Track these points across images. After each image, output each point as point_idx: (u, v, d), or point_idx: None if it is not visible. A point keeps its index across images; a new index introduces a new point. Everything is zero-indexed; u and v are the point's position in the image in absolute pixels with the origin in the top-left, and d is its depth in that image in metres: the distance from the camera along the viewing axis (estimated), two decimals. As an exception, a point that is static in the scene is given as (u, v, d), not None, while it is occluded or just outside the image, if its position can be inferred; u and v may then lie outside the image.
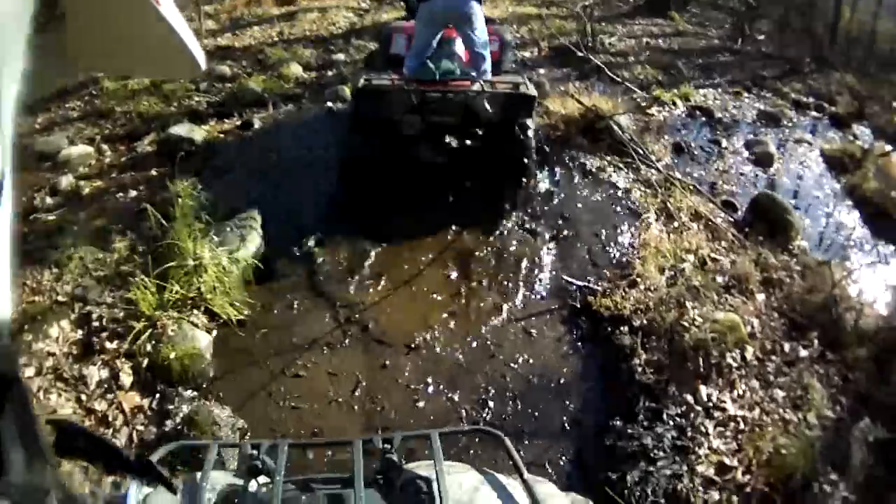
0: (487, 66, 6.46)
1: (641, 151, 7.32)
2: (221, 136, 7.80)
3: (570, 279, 5.55)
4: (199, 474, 1.37)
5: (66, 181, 6.63)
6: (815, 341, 4.98)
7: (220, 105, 8.59)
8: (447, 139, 6.40)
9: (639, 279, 5.46)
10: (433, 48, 6.40)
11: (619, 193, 6.84)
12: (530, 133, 6.34)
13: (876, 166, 8.39)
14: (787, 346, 4.94)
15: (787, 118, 10.47)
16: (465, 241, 6.04)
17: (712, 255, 5.91)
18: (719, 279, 5.56)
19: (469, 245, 5.99)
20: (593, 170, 7.23)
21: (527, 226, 6.28)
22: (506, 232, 6.19)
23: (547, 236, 6.17)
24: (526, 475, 1.34)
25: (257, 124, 8.12)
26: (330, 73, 9.98)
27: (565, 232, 6.22)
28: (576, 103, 7.92)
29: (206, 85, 9.12)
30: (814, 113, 11.20)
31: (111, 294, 4.86)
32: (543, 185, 6.92)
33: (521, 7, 14.47)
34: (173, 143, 7.25)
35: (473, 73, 6.24)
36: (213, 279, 4.94)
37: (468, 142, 6.36)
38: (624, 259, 5.86)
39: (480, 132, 6.24)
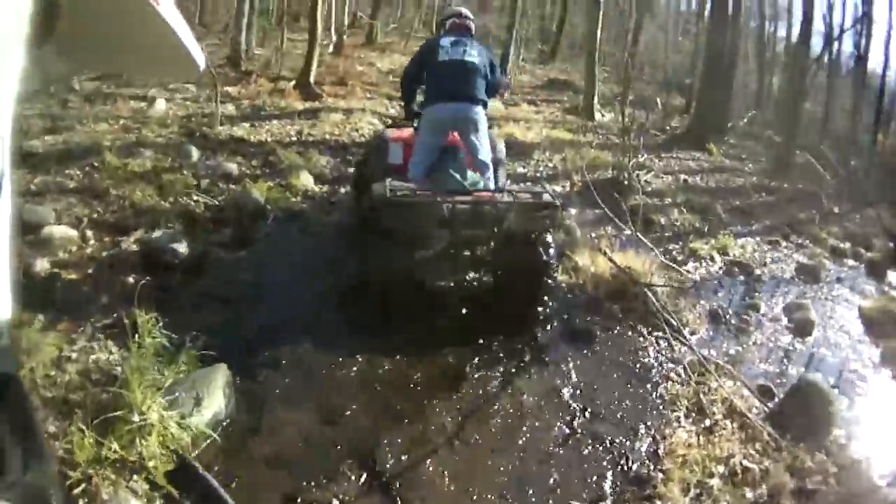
0: (492, 174, 6.43)
1: (675, 324, 6.64)
2: (212, 250, 7.00)
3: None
4: None
5: (40, 265, 5.92)
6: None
7: (219, 210, 7.90)
8: (472, 253, 6.03)
9: (659, 501, 4.74)
10: (436, 157, 6.26)
11: (647, 381, 6.00)
12: (552, 249, 5.96)
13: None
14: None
15: (825, 270, 10.00)
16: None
17: (745, 461, 5.22)
18: (749, 494, 4.83)
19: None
20: (620, 348, 6.40)
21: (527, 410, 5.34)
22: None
23: (557, 429, 5.24)
24: None
25: (253, 242, 7.42)
26: (343, 191, 9.22)
27: (578, 432, 5.23)
28: (607, 262, 7.28)
29: (207, 183, 8.52)
30: (851, 261, 10.95)
31: (55, 424, 4.14)
32: (559, 365, 5.99)
33: (556, 131, 14.08)
34: (155, 251, 6.45)
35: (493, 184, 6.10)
36: (157, 445, 4.09)
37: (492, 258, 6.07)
38: (643, 472, 4.97)
39: (508, 246, 5.84)
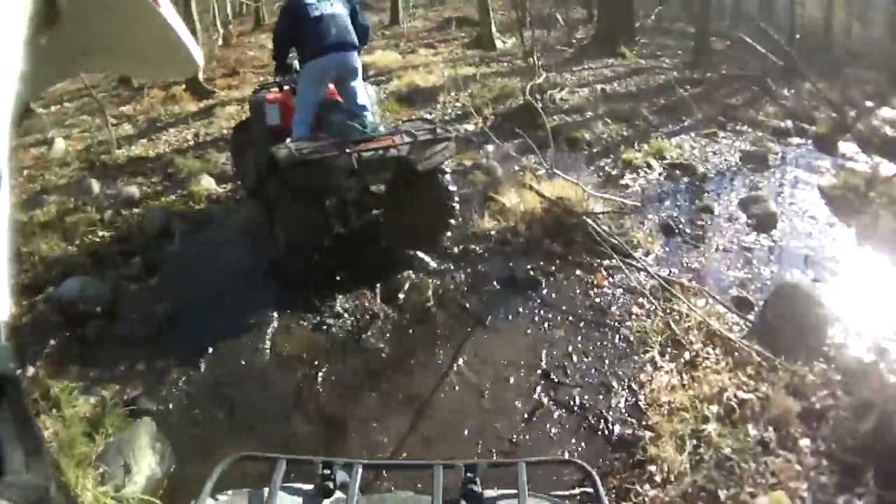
0: (372, 115, 6.48)
1: (624, 249, 5.78)
2: (122, 286, 6.13)
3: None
4: (266, 490, 1.34)
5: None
6: (871, 482, 3.66)
7: (124, 240, 7.07)
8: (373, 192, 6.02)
9: (652, 466, 3.86)
10: (315, 112, 6.34)
11: (608, 323, 5.14)
12: (450, 178, 6.16)
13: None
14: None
15: (771, 154, 9.40)
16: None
17: (738, 393, 4.36)
18: (753, 431, 4.00)
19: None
20: (570, 290, 5.55)
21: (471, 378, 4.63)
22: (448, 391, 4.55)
23: (518, 405, 4.39)
24: None
25: (162, 265, 6.52)
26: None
27: (543, 401, 4.40)
28: (537, 196, 6.37)
29: (110, 214, 7.63)
30: (797, 139, 10.31)
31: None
32: (508, 321, 5.23)
33: (458, 69, 12.99)
34: (68, 304, 5.63)
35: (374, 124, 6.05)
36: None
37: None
38: (627, 433, 4.11)
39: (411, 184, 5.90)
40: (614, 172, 8.08)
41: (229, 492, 1.40)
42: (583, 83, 12.45)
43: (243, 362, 4.94)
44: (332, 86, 6.48)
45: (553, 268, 5.75)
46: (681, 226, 6.80)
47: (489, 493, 1.36)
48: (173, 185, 8.38)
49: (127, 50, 1.23)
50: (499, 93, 11.06)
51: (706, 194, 7.83)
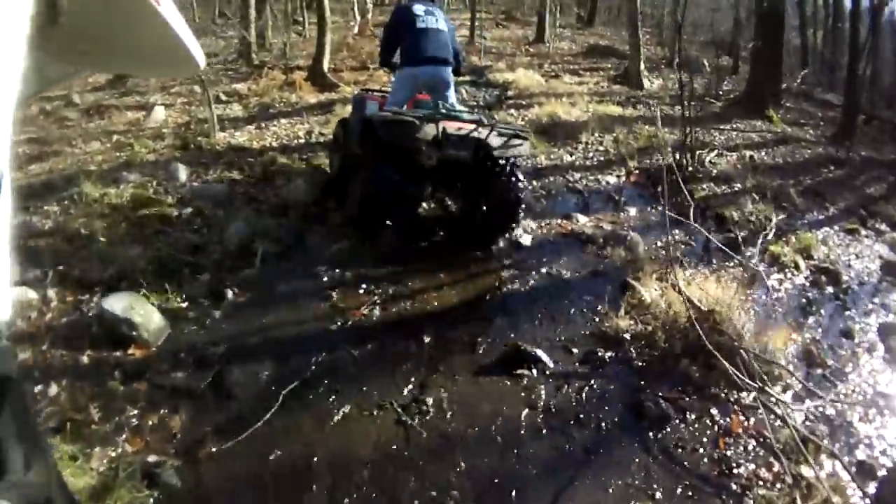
0: None
1: (765, 384, 5.02)
2: (180, 312, 5.14)
3: None
4: None
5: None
6: None
7: (197, 250, 6.06)
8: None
9: None
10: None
11: (734, 485, 4.02)
12: (522, 176, 6.56)
13: None
14: None
15: None
16: None
17: None
18: None
19: None
20: (700, 434, 4.50)
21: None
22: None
23: None
24: None
25: (231, 295, 5.41)
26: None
27: None
28: (679, 298, 5.54)
29: (190, 212, 6.78)
30: None
31: None
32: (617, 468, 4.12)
33: (603, 105, 12.06)
34: (110, 323, 4.65)
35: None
36: None
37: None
38: None
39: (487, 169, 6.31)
40: (761, 268, 7.32)
41: None
42: (731, 145, 11.39)
43: (303, 444, 3.85)
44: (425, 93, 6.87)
45: (687, 399, 4.77)
46: (822, 354, 5.95)
47: None
48: (270, 189, 7.60)
49: (127, 50, 1.21)
50: (646, 143, 10.13)
51: (848, 312, 6.83)
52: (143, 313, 4.74)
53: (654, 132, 10.53)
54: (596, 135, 10.32)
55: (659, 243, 7.23)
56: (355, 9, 19.59)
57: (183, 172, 7.78)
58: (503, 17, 26.07)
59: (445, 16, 7.03)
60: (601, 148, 9.97)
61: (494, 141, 5.93)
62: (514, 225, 6.64)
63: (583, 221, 7.51)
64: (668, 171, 8.59)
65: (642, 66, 15.33)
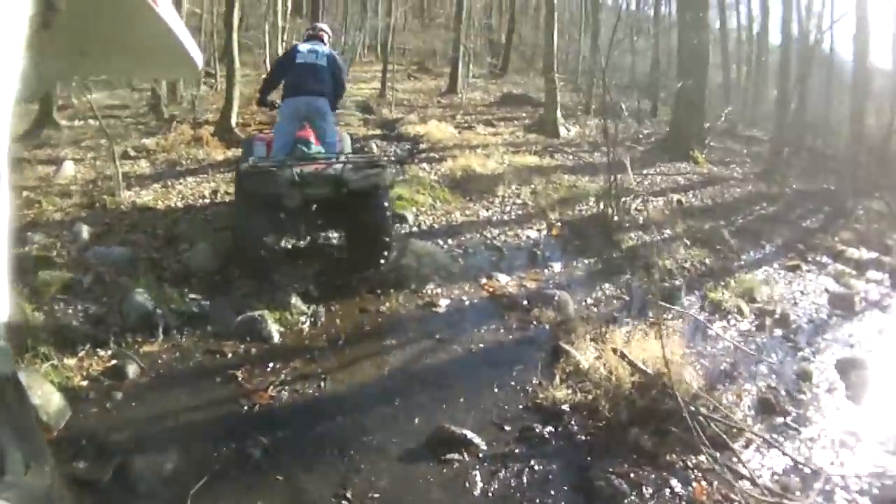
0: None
1: (725, 442, 4.52)
2: (82, 391, 4.71)
3: None
4: None
5: None
6: None
7: (97, 322, 5.62)
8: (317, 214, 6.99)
9: None
10: (291, 146, 7.28)
11: None
12: (387, 203, 7.03)
13: None
14: None
15: (858, 295, 8.24)
16: None
17: None
18: None
19: None
20: None
21: None
22: None
23: None
24: None
25: (133, 373, 4.96)
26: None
27: None
28: (620, 360, 5.09)
29: (91, 279, 6.28)
30: (875, 274, 9.28)
31: None
32: None
33: (520, 156, 11.90)
34: None
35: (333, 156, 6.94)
36: None
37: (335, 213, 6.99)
38: None
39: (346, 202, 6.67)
40: (703, 316, 6.88)
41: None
42: (656, 190, 11.32)
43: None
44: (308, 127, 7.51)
45: (641, 472, 4.25)
46: (781, 401, 5.52)
47: None
48: (173, 254, 7.19)
49: (125, 50, 1.30)
50: (566, 193, 9.94)
51: (801, 352, 6.53)
52: (42, 394, 4.45)
53: (573, 182, 10.25)
54: (513, 187, 10.11)
55: (590, 300, 6.94)
56: (267, 61, 19.06)
57: (86, 233, 7.52)
58: (416, 68, 26.07)
59: (331, 52, 7.81)
60: (519, 201, 9.73)
61: (350, 175, 6.46)
62: (384, 252, 7.04)
63: (504, 281, 7.15)
64: (593, 221, 8.23)
65: (559, 113, 15.15)
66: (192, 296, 6.31)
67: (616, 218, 8.49)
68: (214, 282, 6.71)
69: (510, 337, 6.04)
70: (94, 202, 8.55)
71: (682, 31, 15.48)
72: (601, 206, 8.95)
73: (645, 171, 12.41)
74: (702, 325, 6.53)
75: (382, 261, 7.05)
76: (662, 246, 8.50)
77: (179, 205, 8.90)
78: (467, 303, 6.68)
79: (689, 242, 8.79)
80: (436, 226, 8.59)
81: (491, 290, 6.90)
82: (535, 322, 6.26)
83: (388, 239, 6.96)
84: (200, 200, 9.11)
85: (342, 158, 6.74)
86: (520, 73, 27.29)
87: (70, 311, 5.75)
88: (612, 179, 9.11)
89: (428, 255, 7.34)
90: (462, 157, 11.19)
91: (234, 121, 12.81)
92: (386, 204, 6.99)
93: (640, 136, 15.93)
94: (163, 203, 8.87)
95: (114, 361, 5.12)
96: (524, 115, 17.41)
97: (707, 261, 8.40)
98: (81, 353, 5.15)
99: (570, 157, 12.63)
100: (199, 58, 1.38)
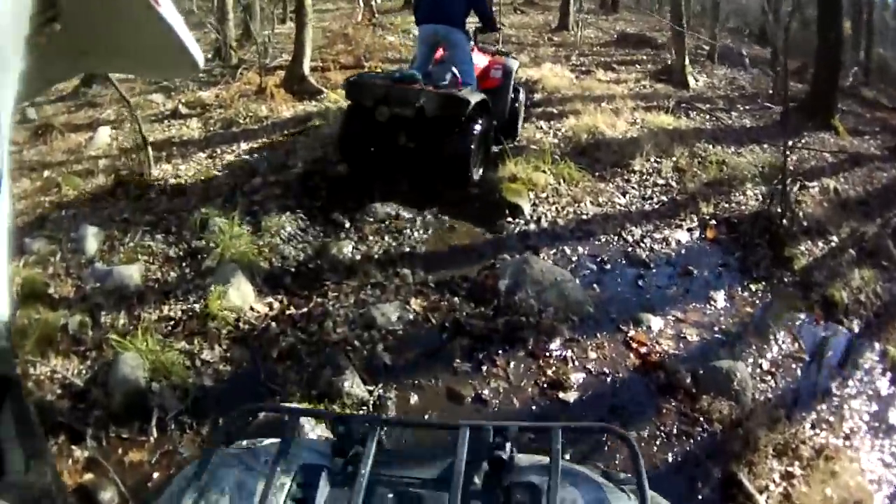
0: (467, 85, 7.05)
1: None
2: None
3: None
4: (278, 442, 1.26)
5: None
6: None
7: (78, 399, 3.96)
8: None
9: None
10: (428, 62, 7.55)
11: None
12: (475, 129, 6.74)
13: None
14: None
15: None
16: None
17: None
18: None
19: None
20: None
21: None
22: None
23: None
24: (648, 491, 1.17)
25: (106, 499, 3.31)
26: (326, 305, 4.93)
27: None
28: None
29: (78, 322, 4.50)
30: None
31: None
32: None
33: (652, 115, 9.66)
34: None
35: (444, 83, 6.80)
36: None
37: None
38: None
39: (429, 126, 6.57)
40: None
41: (243, 442, 1.34)
42: (808, 170, 8.83)
43: None
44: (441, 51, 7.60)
45: None
46: None
47: (520, 457, 1.29)
48: (191, 280, 5.14)
49: (126, 50, 1.14)
50: (716, 173, 7.73)
51: None
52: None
53: (721, 156, 8.18)
54: (652, 160, 7.89)
55: (765, 362, 4.94)
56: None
57: (93, 241, 5.57)
58: (522, 1, 23.31)
59: None
60: (660, 181, 7.51)
61: (428, 102, 6.38)
62: (465, 175, 6.84)
63: (656, 328, 5.01)
64: (755, 221, 6.39)
65: (687, 60, 12.79)
66: (203, 357, 4.33)
67: (784, 220, 6.53)
68: (243, 335, 4.59)
69: (667, 455, 3.94)
70: (117, 184, 6.74)
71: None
72: (764, 200, 6.96)
73: (790, 142, 9.87)
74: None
75: (464, 182, 6.93)
76: (832, 263, 6.51)
77: (223, 182, 6.99)
78: (608, 379, 4.48)
79: (854, 253, 6.73)
80: (560, 221, 6.43)
81: (640, 349, 4.72)
82: (701, 420, 4.15)
83: (466, 167, 6.78)
84: (249, 180, 7.08)
85: (429, 88, 6.64)
86: (630, 11, 24.40)
87: (44, 376, 4.07)
88: (785, 161, 7.02)
89: (553, 285, 5.08)
90: (586, 114, 8.93)
91: (306, 68, 10.53)
92: (472, 131, 6.77)
93: (780, 93, 12.98)
94: (202, 183, 6.95)
95: (88, 475, 3.45)
96: (645, 58, 14.81)
97: (878, 287, 6.40)
98: (54, 449, 3.57)
99: (708, 116, 10.34)
100: (200, 58, 1.10)
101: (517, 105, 7.95)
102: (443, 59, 7.46)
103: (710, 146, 8.60)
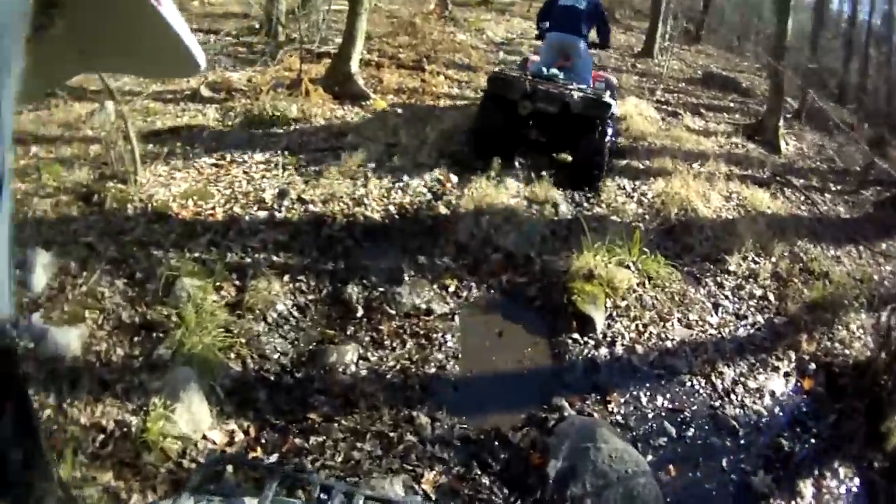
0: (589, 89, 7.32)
1: None
2: None
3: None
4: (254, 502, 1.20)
5: None
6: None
7: None
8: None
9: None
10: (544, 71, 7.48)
11: None
12: (608, 131, 7.05)
13: None
14: None
15: None
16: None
17: None
18: None
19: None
20: None
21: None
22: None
23: None
24: None
25: None
26: (304, 457, 3.55)
27: None
28: None
29: None
30: None
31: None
32: None
33: (749, 190, 7.96)
34: None
35: (574, 84, 7.10)
36: None
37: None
38: None
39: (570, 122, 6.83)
40: None
41: (216, 499, 1.24)
42: None
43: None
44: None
45: None
46: None
47: None
48: (142, 363, 3.78)
49: (127, 50, 1.14)
50: (819, 292, 6.00)
51: None
52: None
53: (824, 263, 6.69)
54: (750, 258, 6.33)
55: None
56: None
57: (41, 274, 4.19)
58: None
59: (591, 1, 7.82)
60: (757, 291, 5.92)
61: (575, 101, 6.65)
62: (596, 174, 7.07)
63: None
64: (857, 374, 5.08)
65: (781, 121, 11.15)
66: None
67: (890, 381, 5.10)
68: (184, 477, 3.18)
69: None
70: (93, 191, 5.31)
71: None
72: (871, 348, 5.36)
73: (887, 245, 8.06)
74: None
75: (595, 181, 7.15)
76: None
77: (218, 211, 5.45)
78: None
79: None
80: (639, 349, 4.82)
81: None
82: None
83: (601, 166, 7.08)
84: (252, 209, 5.55)
85: (573, 86, 6.97)
86: (709, 42, 22.53)
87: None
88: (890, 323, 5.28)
89: (620, 480, 3.48)
90: (676, 177, 7.41)
91: (354, 65, 8.62)
92: (606, 133, 7.02)
93: (864, 171, 11.10)
94: (193, 206, 5.44)
95: None
96: (732, 105, 13.19)
97: None
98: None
99: (804, 198, 8.57)
100: (202, 58, 1.10)
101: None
102: (564, 67, 7.61)
103: (811, 246, 6.99)
